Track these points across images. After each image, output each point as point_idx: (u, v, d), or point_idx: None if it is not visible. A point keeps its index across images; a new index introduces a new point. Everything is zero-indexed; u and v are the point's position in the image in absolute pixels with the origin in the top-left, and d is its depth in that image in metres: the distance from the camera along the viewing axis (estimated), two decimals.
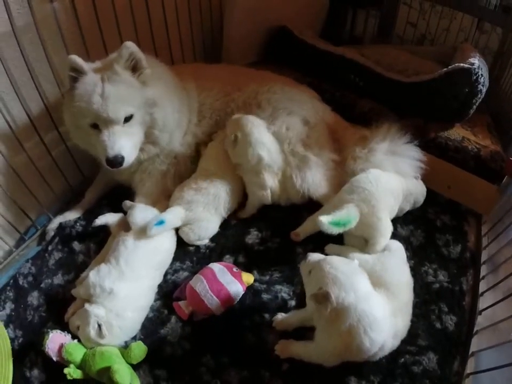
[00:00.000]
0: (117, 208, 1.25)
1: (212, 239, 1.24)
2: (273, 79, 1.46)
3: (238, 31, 1.70)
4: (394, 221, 1.20)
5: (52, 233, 1.26)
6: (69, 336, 0.97)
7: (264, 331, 1.00)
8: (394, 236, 1.18)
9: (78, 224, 1.28)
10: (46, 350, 0.92)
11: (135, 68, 1.09)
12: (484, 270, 1.19)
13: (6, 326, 1.04)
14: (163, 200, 1.28)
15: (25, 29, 1.08)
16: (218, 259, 1.17)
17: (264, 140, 1.22)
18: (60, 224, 1.27)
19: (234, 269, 1.07)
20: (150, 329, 1.03)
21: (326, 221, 1.03)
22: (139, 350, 0.94)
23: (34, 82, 1.15)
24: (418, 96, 1.45)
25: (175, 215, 1.17)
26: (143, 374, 0.95)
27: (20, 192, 1.21)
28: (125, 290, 0.99)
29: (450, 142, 1.41)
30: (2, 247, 1.21)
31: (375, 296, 0.87)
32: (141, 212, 1.14)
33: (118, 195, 1.32)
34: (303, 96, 1.43)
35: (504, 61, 1.73)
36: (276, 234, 1.24)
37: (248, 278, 1.07)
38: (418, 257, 1.21)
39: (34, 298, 1.11)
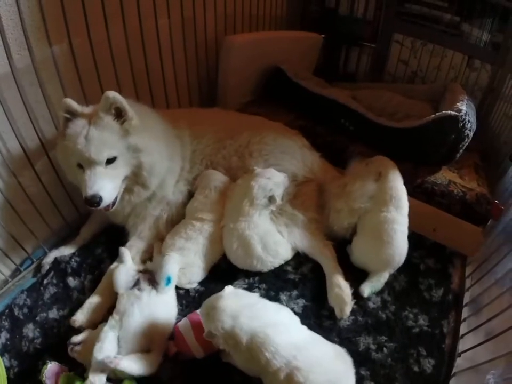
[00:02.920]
0: (113, 245, 1.31)
1: (202, 283, 1.27)
2: (265, 127, 1.52)
3: (234, 78, 1.77)
4: None
5: (47, 267, 1.30)
6: (66, 368, 1.01)
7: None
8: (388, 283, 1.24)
9: (73, 260, 1.32)
10: (44, 379, 0.96)
11: (119, 115, 1.14)
12: (465, 312, 1.23)
13: (2, 354, 1.09)
14: (156, 242, 1.32)
15: (25, 71, 1.13)
16: None
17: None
18: (55, 259, 1.31)
19: None
20: None
21: (368, 292, 1.20)
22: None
23: (32, 121, 1.20)
24: (408, 141, 1.51)
25: (174, 264, 1.18)
26: None
27: (17, 224, 1.26)
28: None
29: (436, 187, 1.45)
30: None
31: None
32: (124, 275, 1.15)
33: (115, 232, 1.37)
34: (294, 147, 1.48)
35: (494, 97, 1.79)
36: (263, 280, 1.27)
37: None
38: (400, 302, 1.24)
39: (29, 330, 1.15)
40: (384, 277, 1.25)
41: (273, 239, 1.28)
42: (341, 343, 1.09)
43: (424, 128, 1.45)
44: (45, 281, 1.26)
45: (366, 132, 1.61)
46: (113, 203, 1.19)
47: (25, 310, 1.19)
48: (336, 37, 2.06)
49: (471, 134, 1.43)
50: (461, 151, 1.45)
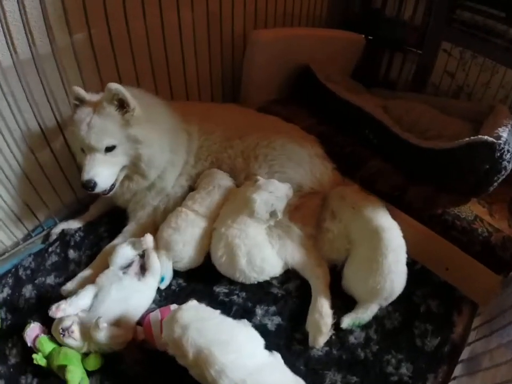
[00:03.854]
0: (114, 227, 1.41)
1: (185, 279, 1.29)
2: (278, 130, 1.46)
3: (258, 74, 1.71)
4: None
5: (54, 237, 1.42)
6: (46, 330, 1.11)
7: None
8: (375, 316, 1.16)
9: (77, 234, 1.43)
10: (25, 335, 1.08)
11: (122, 105, 1.17)
12: (458, 370, 1.08)
13: (0, 307, 1.23)
14: (152, 231, 1.33)
15: (47, 57, 1.22)
16: (184, 299, 1.17)
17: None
18: (63, 230, 1.43)
19: None
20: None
21: (347, 324, 1.13)
22: (95, 360, 1.07)
23: (50, 104, 1.29)
24: (433, 163, 1.36)
25: (167, 264, 1.25)
26: (94, 381, 1.06)
27: (32, 195, 1.39)
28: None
29: (458, 221, 1.26)
30: (11, 238, 1.41)
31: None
32: (122, 253, 1.22)
33: (119, 214, 1.44)
34: (304, 154, 1.41)
35: None
36: (245, 288, 1.25)
37: None
38: (385, 343, 1.13)
39: (28, 290, 1.28)
40: (371, 309, 1.15)
41: (261, 255, 1.22)
42: (306, 373, 1.05)
43: (454, 152, 1.28)
44: (50, 249, 1.39)
45: (389, 147, 1.48)
46: (111, 189, 1.25)
47: (28, 272, 1.33)
48: (380, 40, 1.90)
49: (509, 166, 1.23)
50: (496, 184, 1.26)
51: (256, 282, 1.24)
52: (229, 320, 1.03)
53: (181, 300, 1.19)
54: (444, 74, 1.76)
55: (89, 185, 1.16)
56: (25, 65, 1.18)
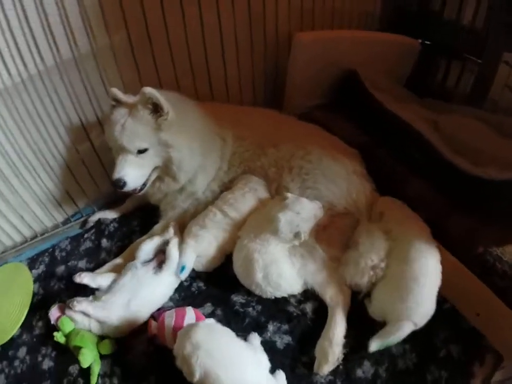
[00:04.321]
0: (146, 222, 1.47)
1: (206, 282, 1.31)
2: (316, 141, 1.39)
3: (301, 78, 1.64)
4: None
5: (91, 224, 1.53)
6: None
7: None
8: (383, 351, 1.08)
9: (111, 224, 1.51)
10: (49, 314, 1.18)
11: (156, 109, 1.20)
12: None
13: (34, 281, 1.35)
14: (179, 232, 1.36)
15: (87, 56, 1.29)
16: (200, 303, 1.24)
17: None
18: (99, 219, 1.52)
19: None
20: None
21: (376, 347, 1.06)
22: (108, 345, 1.15)
23: (91, 100, 1.37)
24: (482, 193, 1.23)
25: (191, 253, 1.26)
26: (105, 364, 1.14)
27: (73, 184, 1.50)
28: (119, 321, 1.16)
29: (500, 264, 1.12)
30: (52, 221, 1.54)
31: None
32: (148, 248, 1.27)
33: (152, 211, 1.49)
34: (341, 171, 1.33)
35: None
36: (262, 302, 1.23)
37: None
38: (392, 383, 1.06)
39: (60, 270, 1.39)
40: (403, 330, 1.06)
41: (278, 271, 1.18)
42: None
43: (508, 184, 1.16)
44: (86, 235, 1.49)
45: (435, 168, 1.36)
46: (141, 189, 1.29)
47: (63, 254, 1.44)
48: (437, 46, 1.73)
49: None
50: None
51: (273, 297, 1.22)
52: (241, 343, 1.02)
53: (198, 303, 1.23)
54: (503, 89, 1.58)
55: (119, 184, 1.21)
56: (68, 65, 1.26)
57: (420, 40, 1.75)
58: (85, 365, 1.10)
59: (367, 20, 1.78)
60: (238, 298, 1.25)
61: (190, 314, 1.15)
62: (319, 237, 1.24)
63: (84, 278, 1.20)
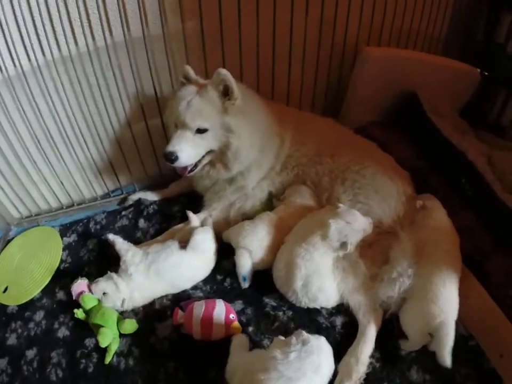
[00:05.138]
0: (188, 209, 1.41)
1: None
2: (371, 157, 1.38)
3: (363, 92, 1.63)
4: (413, 361, 1.10)
5: (130, 202, 1.52)
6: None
7: None
8: (404, 377, 1.06)
9: (151, 206, 1.50)
10: (71, 289, 1.18)
11: (226, 93, 1.20)
12: None
13: (63, 249, 1.35)
14: (222, 225, 1.36)
15: (157, 39, 1.30)
16: (231, 299, 1.22)
17: None
18: (139, 199, 1.52)
19: (231, 316, 1.12)
20: (151, 317, 1.19)
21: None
22: (130, 325, 1.14)
23: (153, 81, 1.38)
24: None
25: (246, 262, 1.23)
26: (124, 343, 1.14)
27: (120, 160, 1.50)
28: (139, 281, 1.17)
29: None
30: (92, 192, 1.54)
31: None
32: (201, 243, 1.25)
33: (195, 200, 1.47)
34: (392, 189, 1.31)
35: None
36: (293, 308, 1.20)
37: (235, 330, 1.12)
38: None
39: (92, 243, 1.39)
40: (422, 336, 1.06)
41: (319, 284, 1.16)
42: None
43: None
44: (123, 213, 1.49)
45: (484, 203, 1.33)
46: (192, 170, 1.28)
47: (98, 227, 1.44)
48: (497, 78, 1.70)
49: None
50: None
51: (305, 307, 1.19)
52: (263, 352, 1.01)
53: (229, 298, 1.22)
54: None
55: (171, 157, 1.20)
56: (136, 43, 1.28)
57: (479, 70, 1.71)
58: (103, 344, 1.09)
59: (432, 42, 1.76)
60: (269, 300, 1.23)
61: (220, 306, 1.14)
62: (363, 253, 1.23)
63: (115, 239, 1.22)
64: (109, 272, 1.18)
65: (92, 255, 1.36)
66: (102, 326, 1.10)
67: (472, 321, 1.12)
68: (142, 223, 1.46)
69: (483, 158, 1.46)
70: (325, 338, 0.99)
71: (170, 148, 1.21)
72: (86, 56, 1.26)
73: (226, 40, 1.38)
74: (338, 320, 1.19)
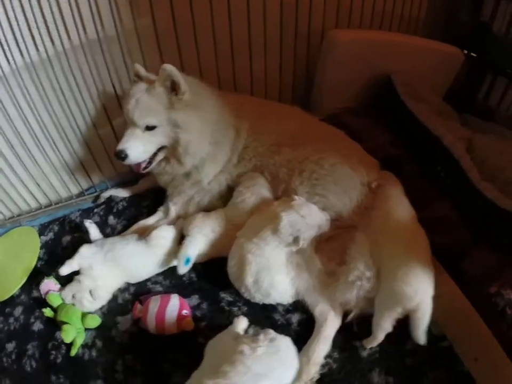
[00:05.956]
0: (154, 205, 1.49)
1: (198, 275, 1.30)
2: (334, 146, 1.31)
3: (332, 79, 1.56)
4: (375, 362, 1.05)
5: (102, 200, 1.57)
6: (57, 287, 1.26)
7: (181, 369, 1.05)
8: (364, 379, 1.02)
9: (121, 203, 1.55)
10: (40, 288, 1.25)
11: (173, 88, 1.19)
12: None
13: (41, 248, 1.43)
14: (182, 217, 1.38)
15: (113, 38, 1.32)
16: (188, 294, 1.24)
17: None
18: (110, 196, 1.56)
19: (184, 312, 1.15)
20: (114, 311, 1.24)
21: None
22: (92, 321, 1.20)
23: (112, 80, 1.40)
24: (508, 228, 1.11)
25: (195, 246, 1.25)
26: (89, 336, 1.19)
27: (90, 160, 1.55)
28: (99, 269, 1.23)
29: (510, 311, 0.99)
30: (67, 192, 1.61)
31: None
32: (157, 239, 1.28)
33: (164, 193, 1.49)
34: (354, 180, 1.24)
35: None
36: (249, 304, 1.20)
37: (188, 325, 1.14)
38: None
39: (66, 240, 1.46)
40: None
41: (270, 280, 1.13)
42: None
43: None
44: (95, 210, 1.54)
45: (461, 192, 1.25)
46: (146, 167, 1.31)
47: (73, 225, 1.51)
48: (484, 59, 1.59)
49: None
50: None
51: (261, 303, 1.19)
52: None
53: (186, 293, 1.24)
54: None
55: (121, 155, 1.22)
56: (93, 45, 1.30)
57: (466, 51, 1.61)
58: (67, 340, 1.15)
59: (409, 24, 1.65)
60: (226, 295, 1.24)
61: (174, 302, 1.17)
62: (320, 248, 1.18)
63: (91, 226, 1.33)
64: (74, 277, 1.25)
65: (66, 252, 1.41)
66: (68, 323, 1.17)
67: (445, 321, 1.06)
68: (111, 219, 1.51)
69: (462, 143, 1.36)
70: (290, 339, 0.98)
71: (120, 146, 1.22)
72: (47, 62, 1.30)
73: (180, 34, 1.37)
74: (295, 318, 1.17)
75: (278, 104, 1.55)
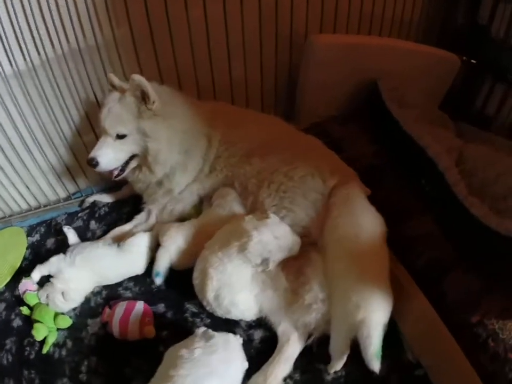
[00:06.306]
0: (135, 211, 1.51)
1: (166, 284, 1.29)
2: (308, 156, 1.26)
3: (317, 82, 1.51)
4: None
5: (87, 204, 1.62)
6: (35, 287, 1.30)
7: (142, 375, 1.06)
8: None
9: (103, 208, 1.59)
10: (18, 287, 1.30)
11: (144, 98, 1.21)
12: None
13: (27, 248, 1.48)
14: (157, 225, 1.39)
15: (94, 48, 1.35)
16: (155, 302, 1.24)
17: None
18: (94, 201, 1.60)
19: (147, 319, 1.16)
20: (85, 313, 1.28)
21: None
22: (62, 321, 1.23)
23: (93, 89, 1.44)
24: (494, 249, 1.03)
25: (164, 261, 1.26)
26: (61, 336, 1.23)
27: (76, 167, 1.61)
28: (70, 272, 1.26)
29: (493, 343, 0.89)
30: (55, 195, 1.67)
31: None
32: (131, 246, 1.31)
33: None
34: (325, 194, 1.19)
35: None
36: (212, 317, 1.18)
37: (150, 333, 1.15)
38: None
39: (50, 242, 1.51)
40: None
41: (230, 298, 1.10)
42: None
43: None
44: (80, 214, 1.58)
45: (446, 208, 1.16)
46: (119, 174, 1.34)
47: (58, 227, 1.55)
48: (481, 64, 1.49)
49: None
50: None
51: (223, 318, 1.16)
52: None
53: (153, 301, 1.25)
54: None
55: (92, 162, 1.26)
56: (75, 54, 1.35)
57: (464, 58, 1.52)
58: (38, 338, 1.20)
59: (402, 28, 1.57)
60: (191, 306, 1.23)
61: (138, 308, 1.18)
62: (286, 266, 1.13)
63: (69, 231, 1.39)
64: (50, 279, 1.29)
65: (49, 254, 1.44)
66: (40, 322, 1.21)
67: (421, 348, 1.00)
68: (93, 224, 1.55)
69: (450, 155, 1.28)
70: (233, 334, 0.97)
71: (92, 153, 1.26)
72: (33, 70, 1.35)
73: (157, 42, 1.39)
74: (257, 334, 1.15)
75: (254, 113, 1.50)
